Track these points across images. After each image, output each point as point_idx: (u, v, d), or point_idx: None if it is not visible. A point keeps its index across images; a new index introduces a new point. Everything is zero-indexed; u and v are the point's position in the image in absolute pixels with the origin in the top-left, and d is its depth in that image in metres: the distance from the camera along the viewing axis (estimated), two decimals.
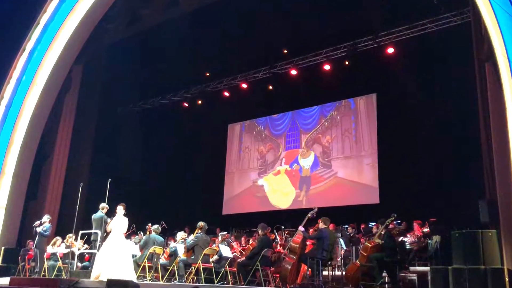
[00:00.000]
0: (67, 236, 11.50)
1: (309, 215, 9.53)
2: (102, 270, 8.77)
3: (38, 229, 11.12)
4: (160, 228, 11.08)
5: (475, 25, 9.57)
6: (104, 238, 10.11)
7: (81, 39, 12.65)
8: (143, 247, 10.71)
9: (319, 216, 9.55)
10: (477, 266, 7.26)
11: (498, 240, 7.71)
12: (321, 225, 9.23)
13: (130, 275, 8.90)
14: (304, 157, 16.43)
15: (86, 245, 11.51)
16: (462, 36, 10.75)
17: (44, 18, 12.42)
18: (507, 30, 7.95)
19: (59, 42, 12.17)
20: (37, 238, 11.18)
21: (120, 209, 9.43)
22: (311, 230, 10.61)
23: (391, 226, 10.15)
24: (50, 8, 12.40)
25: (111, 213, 10.26)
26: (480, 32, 9.14)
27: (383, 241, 8.95)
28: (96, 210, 10.56)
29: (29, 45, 12.39)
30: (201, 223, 10.11)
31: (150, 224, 11.13)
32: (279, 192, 16.62)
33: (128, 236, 10.92)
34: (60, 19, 12.25)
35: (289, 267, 9.02)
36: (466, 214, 10.15)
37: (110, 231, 9.39)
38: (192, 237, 10.14)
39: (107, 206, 10.23)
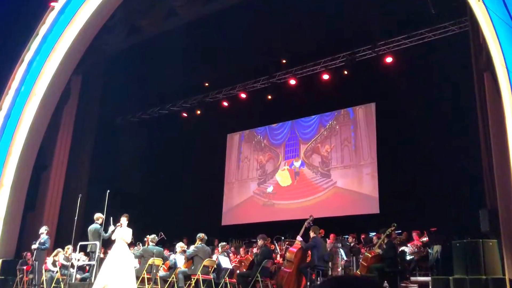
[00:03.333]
0: (66, 247, 11.42)
1: (306, 225, 9.51)
2: (107, 281, 8.75)
3: (35, 246, 11.05)
4: (156, 237, 11.02)
5: (473, 35, 9.60)
6: (102, 249, 10.09)
7: (80, 50, 12.65)
8: (139, 258, 10.64)
9: (315, 225, 9.53)
10: (478, 276, 7.24)
11: (499, 249, 7.68)
12: (312, 234, 9.23)
13: (133, 287, 8.90)
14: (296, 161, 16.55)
15: (85, 257, 11.42)
16: (461, 45, 10.78)
17: (43, 29, 12.44)
18: (505, 39, 7.96)
19: (58, 53, 12.16)
20: (35, 251, 11.11)
21: (124, 220, 9.46)
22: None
23: (392, 235, 10.10)
24: (49, 19, 12.42)
25: (108, 223, 10.21)
26: (478, 41, 9.17)
27: (382, 251, 8.92)
28: (93, 221, 10.49)
29: (28, 55, 12.40)
30: (201, 234, 10.08)
31: (148, 236, 11.08)
32: (285, 179, 16.75)
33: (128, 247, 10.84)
34: (59, 30, 12.26)
35: (285, 276, 8.97)
36: (466, 224, 10.12)
37: (112, 240, 9.40)
38: (192, 247, 10.09)
39: (102, 216, 10.15)
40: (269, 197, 16.91)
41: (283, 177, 16.82)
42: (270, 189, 16.98)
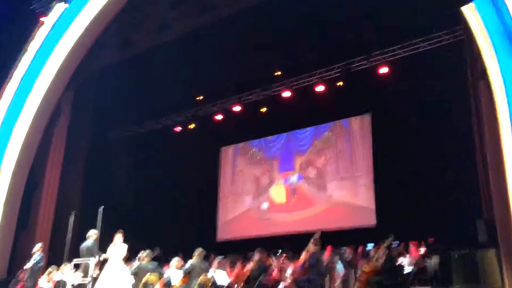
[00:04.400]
0: (62, 265, 11.20)
1: (313, 242, 9.26)
2: None
3: (28, 265, 10.84)
4: (151, 254, 10.85)
5: (468, 44, 9.60)
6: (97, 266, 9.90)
7: (72, 66, 12.52)
8: (135, 275, 10.46)
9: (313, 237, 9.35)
10: (477, 286, 7.17)
11: (498, 259, 7.62)
12: (313, 248, 9.05)
13: None
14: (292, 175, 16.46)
15: (79, 274, 11.18)
16: (456, 55, 10.80)
17: (33, 46, 12.32)
18: (500, 49, 7.95)
19: (49, 70, 12.04)
20: (29, 270, 10.91)
21: (118, 237, 9.32)
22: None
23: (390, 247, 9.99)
24: (40, 35, 12.31)
25: (104, 240, 10.05)
26: (473, 50, 9.15)
27: (380, 264, 8.80)
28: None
29: (19, 73, 12.26)
30: (199, 249, 9.94)
31: (142, 252, 10.91)
32: (279, 196, 16.66)
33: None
34: (51, 46, 12.16)
35: None
36: (464, 234, 10.04)
37: (107, 258, 9.25)
38: (189, 262, 9.94)
39: (96, 232, 9.96)
40: (265, 211, 16.76)
41: (278, 193, 16.67)
42: (265, 206, 16.84)
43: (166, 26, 14.35)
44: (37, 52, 12.34)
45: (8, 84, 12.33)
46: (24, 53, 12.42)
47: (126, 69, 15.37)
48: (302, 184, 16.16)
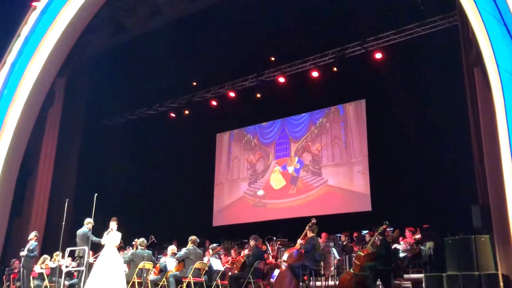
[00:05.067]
0: (54, 254, 11.19)
1: (308, 229, 9.27)
2: (97, 287, 8.60)
3: (23, 253, 10.83)
4: (146, 241, 10.87)
5: (463, 29, 9.52)
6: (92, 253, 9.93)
7: (64, 51, 12.35)
8: (129, 263, 10.49)
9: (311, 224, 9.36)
10: (471, 272, 7.25)
11: (492, 245, 7.66)
12: (310, 234, 9.08)
13: None
14: (290, 165, 16.36)
15: (73, 263, 11.19)
16: (450, 40, 10.73)
17: (25, 30, 12.14)
18: (494, 34, 7.88)
19: (41, 54, 11.87)
20: (23, 258, 10.89)
21: (113, 224, 9.32)
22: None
23: (385, 233, 10.03)
24: (31, 20, 12.13)
25: (97, 228, 10.05)
26: (468, 36, 9.09)
27: (375, 250, 8.84)
28: (82, 225, 10.32)
29: (10, 57, 12.10)
30: (193, 237, 9.96)
31: (136, 240, 10.93)
32: (277, 181, 16.62)
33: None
34: (42, 30, 11.97)
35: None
36: (458, 220, 10.10)
37: (102, 245, 9.25)
38: (184, 250, 9.95)
39: (91, 221, 9.99)
40: (260, 197, 16.78)
41: (273, 180, 16.67)
42: (260, 192, 16.84)
43: (158, 12, 14.17)
44: (28, 36, 12.16)
45: (0, 69, 12.15)
46: (17, 37, 12.23)
47: (119, 55, 15.23)
48: (297, 170, 16.16)
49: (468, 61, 9.22)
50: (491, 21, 7.95)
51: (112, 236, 9.21)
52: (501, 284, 6.87)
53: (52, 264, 11.14)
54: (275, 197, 16.39)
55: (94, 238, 9.75)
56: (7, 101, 11.84)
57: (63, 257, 10.78)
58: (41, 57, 12.01)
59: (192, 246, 9.81)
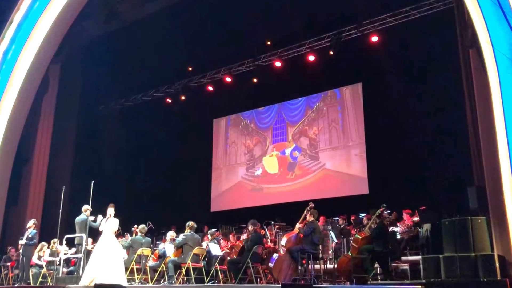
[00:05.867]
0: (52, 241, 11.23)
1: (306, 213, 9.30)
2: (96, 274, 8.66)
3: (22, 241, 10.86)
4: (146, 228, 10.90)
5: (458, 11, 9.45)
6: (89, 241, 9.96)
7: (58, 38, 12.23)
8: (128, 249, 10.53)
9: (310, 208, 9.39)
10: (467, 253, 7.24)
11: (488, 226, 7.68)
12: (310, 218, 9.13)
13: (122, 279, 8.79)
14: (288, 148, 16.37)
15: (71, 250, 11.24)
16: (446, 22, 10.65)
17: (17, 17, 11.99)
18: (490, 16, 7.83)
19: (35, 41, 11.75)
20: (23, 246, 10.92)
21: (111, 210, 9.34)
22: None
23: (382, 216, 10.07)
24: (24, 6, 11.97)
25: (95, 215, 10.08)
26: (463, 18, 9.02)
27: (372, 232, 8.88)
28: (80, 213, 10.33)
29: (3, 45, 11.97)
30: (190, 223, 10.01)
31: (136, 226, 10.95)
32: (272, 166, 16.63)
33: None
34: (35, 17, 11.80)
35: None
36: (455, 201, 10.14)
37: (100, 232, 9.27)
38: (182, 235, 10.00)
39: (90, 208, 10.01)
40: (258, 181, 16.80)
41: (270, 164, 16.67)
42: (259, 172, 16.86)
43: None
44: (21, 23, 12.03)
45: None
46: (9, 24, 12.10)
47: (113, 41, 15.12)
48: (294, 155, 16.16)
49: (463, 43, 9.17)
50: (486, 3, 7.89)
51: (109, 222, 9.24)
52: (497, 264, 6.91)
53: (49, 252, 11.19)
54: (273, 181, 16.42)
55: (95, 224, 9.79)
56: (0, 89, 11.76)
57: (60, 244, 10.82)
58: (34, 44, 11.89)
59: (189, 232, 9.86)
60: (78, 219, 10.15)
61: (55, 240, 10.94)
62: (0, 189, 11.69)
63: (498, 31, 7.71)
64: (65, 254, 10.78)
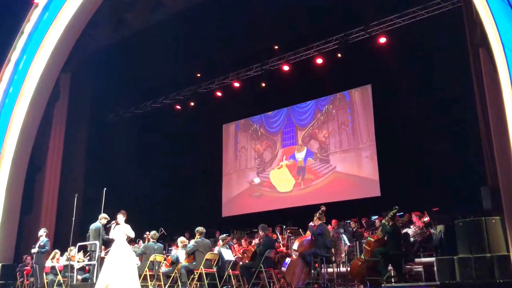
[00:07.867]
0: (68, 249, 11.28)
1: (317, 216, 9.25)
2: (110, 280, 8.62)
3: (34, 250, 10.94)
4: (157, 234, 10.90)
5: (467, 10, 9.40)
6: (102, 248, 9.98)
7: (67, 47, 12.41)
8: (141, 256, 10.54)
9: (326, 214, 9.34)
10: (483, 254, 7.19)
11: (503, 226, 7.61)
12: (318, 221, 9.07)
13: (135, 286, 8.77)
14: (299, 151, 16.31)
15: (84, 257, 11.29)
16: (454, 22, 10.60)
17: (28, 27, 12.17)
18: (499, 14, 7.78)
19: (45, 51, 11.92)
20: (35, 255, 11.00)
21: (120, 217, 9.27)
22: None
23: (394, 218, 9.99)
24: (34, 17, 12.16)
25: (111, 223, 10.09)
26: (472, 16, 8.97)
27: (385, 235, 8.81)
28: (93, 220, 10.36)
29: (14, 55, 12.15)
30: (199, 228, 9.99)
31: (148, 232, 10.96)
32: (283, 180, 16.50)
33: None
34: (45, 27, 12.01)
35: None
36: (468, 202, 10.02)
37: (112, 240, 9.24)
38: (192, 242, 9.99)
39: (106, 216, 10.01)
40: (269, 186, 16.78)
41: (280, 168, 16.60)
42: (257, 180, 16.90)
43: (159, 5, 14.12)
44: (31, 33, 12.20)
45: (6, 67, 12.21)
46: (20, 35, 12.27)
47: (122, 49, 15.26)
48: (305, 158, 16.13)
49: (473, 42, 9.12)
50: (495, 0, 7.84)
51: (123, 228, 9.17)
52: None
53: (64, 260, 11.24)
54: (284, 185, 16.39)
55: (105, 236, 9.75)
56: (13, 99, 11.93)
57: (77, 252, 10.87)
58: (45, 54, 12.07)
59: (200, 238, 9.84)
60: (93, 226, 10.19)
61: (72, 248, 10.99)
62: (14, 199, 11.83)
63: (507, 29, 7.66)
64: (78, 262, 10.81)
